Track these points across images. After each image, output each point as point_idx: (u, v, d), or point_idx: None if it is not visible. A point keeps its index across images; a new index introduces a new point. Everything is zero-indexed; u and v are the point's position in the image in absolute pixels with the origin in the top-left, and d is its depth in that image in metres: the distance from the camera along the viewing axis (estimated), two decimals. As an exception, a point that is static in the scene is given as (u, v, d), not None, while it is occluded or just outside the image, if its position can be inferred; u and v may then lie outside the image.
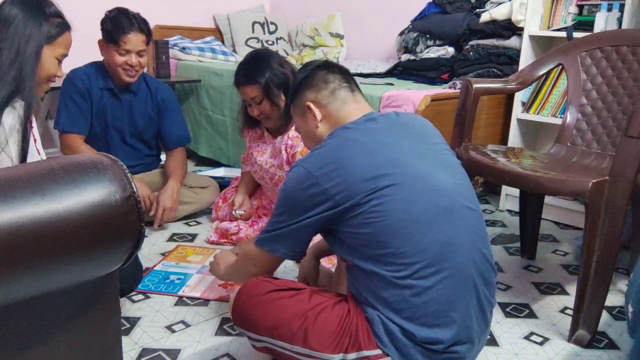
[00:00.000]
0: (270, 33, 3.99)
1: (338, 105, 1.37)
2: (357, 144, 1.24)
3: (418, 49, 3.16)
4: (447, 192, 1.23)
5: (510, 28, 2.83)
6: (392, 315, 1.19)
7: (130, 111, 2.47)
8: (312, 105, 1.38)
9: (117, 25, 2.27)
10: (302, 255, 1.36)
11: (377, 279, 1.19)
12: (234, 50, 3.90)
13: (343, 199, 1.19)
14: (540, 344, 1.66)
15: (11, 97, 1.43)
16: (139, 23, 2.30)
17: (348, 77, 1.42)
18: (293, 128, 2.14)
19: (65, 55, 1.58)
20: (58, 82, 2.50)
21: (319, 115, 1.37)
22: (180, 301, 1.83)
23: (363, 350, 1.20)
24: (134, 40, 2.28)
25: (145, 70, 2.47)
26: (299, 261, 2.16)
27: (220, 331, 1.66)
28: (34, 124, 1.53)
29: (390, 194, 1.18)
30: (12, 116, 1.43)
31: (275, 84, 2.12)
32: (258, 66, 2.13)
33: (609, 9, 2.44)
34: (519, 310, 1.84)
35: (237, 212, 2.33)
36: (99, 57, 2.39)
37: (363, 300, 1.24)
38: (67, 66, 2.99)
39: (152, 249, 2.23)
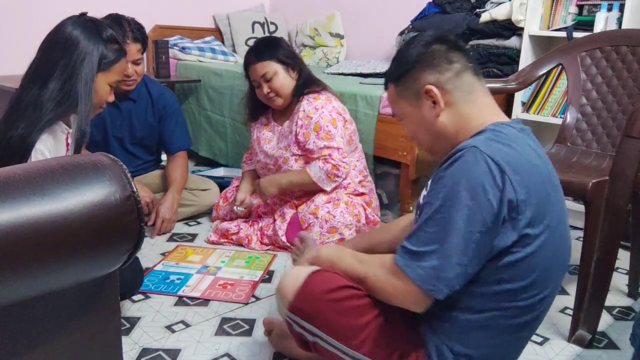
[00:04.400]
0: (270, 33, 3.99)
1: (464, 94, 1.13)
2: (542, 164, 1.08)
3: (418, 49, 3.15)
4: (569, 250, 1.15)
5: (510, 28, 2.82)
6: (458, 349, 1.13)
7: (130, 120, 2.43)
8: (434, 90, 1.13)
9: None
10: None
11: (470, 315, 1.11)
12: (234, 50, 3.89)
13: (524, 226, 1.02)
14: (540, 344, 1.66)
15: (51, 121, 1.43)
16: (134, 31, 2.24)
17: (470, 57, 1.17)
18: (302, 109, 2.16)
19: (118, 82, 1.57)
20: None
21: (442, 101, 1.13)
22: (180, 301, 1.83)
23: None
24: (129, 50, 2.21)
25: (145, 70, 2.45)
26: None
27: (220, 331, 1.66)
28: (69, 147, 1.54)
29: (548, 243, 1.06)
30: (49, 141, 1.43)
31: (287, 58, 2.19)
32: (269, 45, 2.22)
33: (609, 9, 2.44)
34: (519, 310, 1.84)
35: (237, 208, 2.33)
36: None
37: (428, 322, 1.15)
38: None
39: (152, 249, 2.23)
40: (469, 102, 1.14)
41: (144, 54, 2.34)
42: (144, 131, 2.47)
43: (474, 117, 1.14)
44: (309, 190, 2.23)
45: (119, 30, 2.19)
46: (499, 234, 1.01)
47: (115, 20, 2.23)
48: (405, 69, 1.17)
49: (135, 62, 2.28)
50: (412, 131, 1.23)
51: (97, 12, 2.38)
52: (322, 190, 2.19)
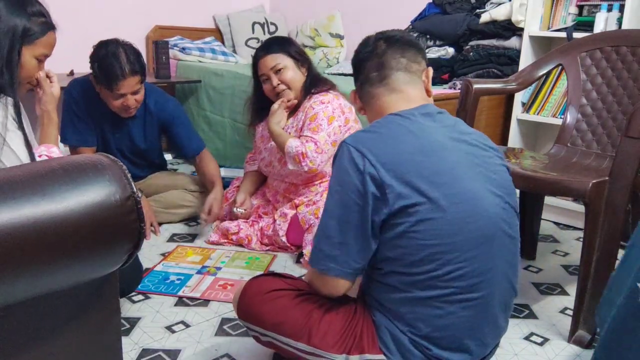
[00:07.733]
0: (270, 33, 3.99)
1: (367, 100, 1.34)
2: (414, 139, 1.17)
3: (418, 49, 3.16)
4: (493, 219, 1.17)
5: (510, 28, 2.83)
6: (405, 328, 1.17)
7: (129, 134, 2.40)
8: (354, 95, 1.39)
9: (107, 72, 2.10)
10: (359, 273, 1.22)
11: (399, 293, 1.17)
12: (234, 51, 3.90)
13: (395, 198, 1.11)
14: (540, 344, 1.66)
15: None
16: (132, 63, 2.12)
17: (379, 65, 1.30)
18: (309, 106, 2.19)
19: (47, 56, 1.54)
20: (63, 82, 2.50)
21: (358, 106, 1.38)
22: (180, 301, 1.83)
23: (366, 354, 1.20)
24: (128, 84, 2.13)
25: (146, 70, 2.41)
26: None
27: (220, 331, 1.66)
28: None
29: (439, 210, 1.11)
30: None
31: (298, 54, 2.23)
32: (279, 40, 2.27)
33: (609, 10, 2.45)
34: (519, 311, 1.83)
35: (237, 209, 2.33)
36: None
37: (374, 306, 1.23)
38: (70, 66, 3.00)
39: (152, 249, 2.23)
40: (370, 107, 1.33)
41: (144, 82, 2.24)
42: (145, 145, 2.45)
43: (376, 117, 1.31)
44: (308, 185, 2.25)
45: (116, 65, 2.09)
46: (374, 210, 1.13)
47: (111, 50, 2.11)
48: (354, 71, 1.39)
49: (135, 92, 2.19)
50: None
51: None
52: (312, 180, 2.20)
